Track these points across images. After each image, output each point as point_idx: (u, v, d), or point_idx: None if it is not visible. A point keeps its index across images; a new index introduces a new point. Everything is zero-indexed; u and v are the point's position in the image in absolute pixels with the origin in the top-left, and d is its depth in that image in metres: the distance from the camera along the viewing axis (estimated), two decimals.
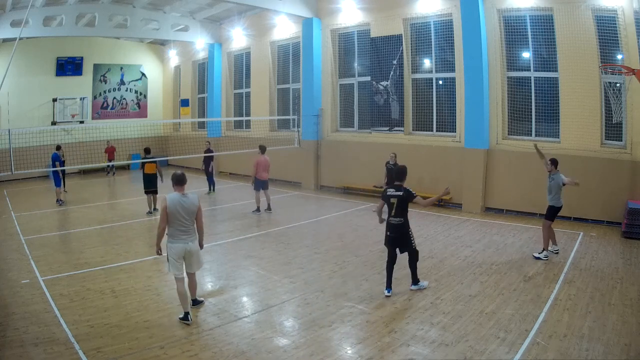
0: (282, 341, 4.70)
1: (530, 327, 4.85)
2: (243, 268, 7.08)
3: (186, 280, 5.34)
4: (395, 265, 6.11)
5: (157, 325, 5.05)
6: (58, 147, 13.18)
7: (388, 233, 5.97)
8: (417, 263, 6.08)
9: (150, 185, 11.09)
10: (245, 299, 5.96)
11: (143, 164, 11.12)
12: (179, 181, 5.19)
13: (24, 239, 8.83)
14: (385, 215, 6.09)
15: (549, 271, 6.69)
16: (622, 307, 5.37)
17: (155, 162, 11.18)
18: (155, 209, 11.06)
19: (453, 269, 6.88)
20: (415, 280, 6.08)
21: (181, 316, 5.13)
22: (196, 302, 5.51)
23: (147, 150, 11.49)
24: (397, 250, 6.00)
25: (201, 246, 5.40)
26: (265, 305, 5.65)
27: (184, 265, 5.21)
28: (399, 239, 5.93)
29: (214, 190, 14.37)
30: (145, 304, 5.64)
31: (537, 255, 7.29)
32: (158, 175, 11.12)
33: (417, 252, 6.04)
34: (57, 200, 12.82)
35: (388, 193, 5.92)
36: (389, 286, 5.93)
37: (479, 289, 6.05)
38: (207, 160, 14.14)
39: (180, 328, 5.01)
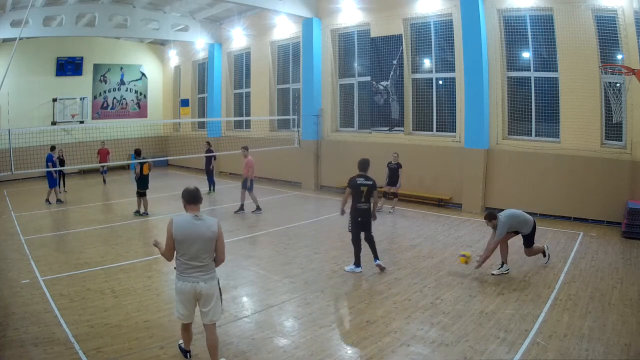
0: (282, 341, 4.70)
1: (530, 327, 4.85)
2: (243, 268, 7.08)
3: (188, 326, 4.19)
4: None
5: (157, 325, 5.05)
6: (52, 148, 13.18)
7: (359, 219, 6.68)
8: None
9: (146, 186, 10.98)
10: (245, 299, 5.96)
11: (142, 165, 10.96)
12: (192, 199, 3.88)
13: (24, 239, 8.83)
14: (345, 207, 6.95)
15: (549, 271, 6.69)
16: (622, 307, 5.37)
17: (148, 162, 11.14)
18: (145, 212, 10.95)
19: (453, 269, 6.88)
20: (378, 256, 6.82)
21: (181, 344, 4.33)
22: None
23: (138, 152, 11.35)
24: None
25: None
26: (265, 305, 5.65)
27: (193, 311, 3.99)
28: (366, 222, 6.73)
29: (214, 190, 14.38)
30: (145, 304, 5.64)
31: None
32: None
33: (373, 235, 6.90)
34: (47, 200, 12.88)
35: (358, 182, 6.62)
36: (360, 264, 6.77)
37: (479, 288, 6.05)
38: (208, 160, 14.19)
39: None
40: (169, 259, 3.90)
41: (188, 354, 4.27)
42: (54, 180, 12.99)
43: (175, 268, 3.95)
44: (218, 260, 3.98)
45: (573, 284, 6.17)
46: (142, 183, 10.98)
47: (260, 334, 4.84)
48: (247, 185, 11.07)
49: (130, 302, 5.67)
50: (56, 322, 5.06)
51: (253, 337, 4.78)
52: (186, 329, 4.13)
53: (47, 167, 12.42)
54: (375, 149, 12.86)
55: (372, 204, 6.72)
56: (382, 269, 6.73)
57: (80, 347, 4.50)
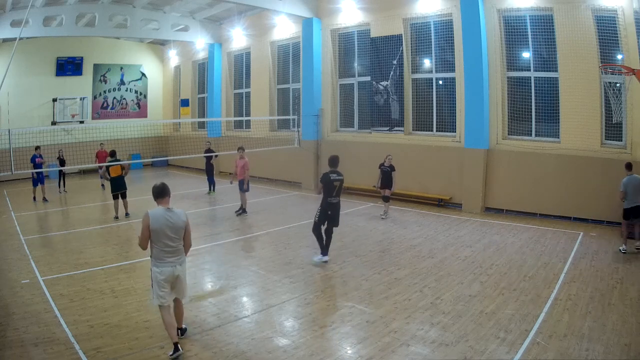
0: (282, 341, 4.70)
1: (530, 327, 4.85)
2: (243, 268, 7.08)
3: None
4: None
5: (157, 325, 5.03)
6: (36, 148, 13.23)
7: (329, 212, 7.02)
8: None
9: (119, 188, 10.72)
10: (245, 299, 5.96)
11: (107, 167, 10.75)
12: (160, 193, 4.43)
13: (24, 239, 8.83)
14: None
15: (549, 271, 6.69)
16: (622, 307, 5.37)
17: (119, 164, 10.89)
18: (126, 213, 10.75)
19: (453, 269, 6.88)
20: (327, 252, 7.21)
21: (170, 353, 4.34)
22: (182, 332, 4.75)
23: (112, 154, 11.19)
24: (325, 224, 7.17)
25: None
26: (265, 305, 5.65)
27: (170, 293, 4.50)
28: (336, 216, 7.11)
29: (214, 190, 14.38)
30: (145, 304, 5.63)
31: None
32: (124, 173, 10.78)
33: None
34: (37, 198, 13.11)
35: (332, 178, 6.95)
36: (325, 252, 7.16)
37: (479, 289, 6.05)
38: (208, 160, 14.23)
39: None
40: (144, 247, 4.40)
41: (178, 345, 4.35)
42: (40, 179, 13.12)
43: (151, 256, 4.44)
44: (186, 245, 4.57)
45: (573, 284, 6.17)
46: (114, 185, 10.70)
47: (260, 334, 4.84)
48: (245, 187, 10.85)
49: (130, 302, 5.68)
50: (56, 322, 5.07)
51: (253, 337, 4.78)
52: (167, 312, 4.47)
53: (33, 167, 12.70)
54: (375, 149, 12.86)
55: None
56: (324, 262, 7.15)
57: (80, 347, 4.50)
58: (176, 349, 4.32)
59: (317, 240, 7.19)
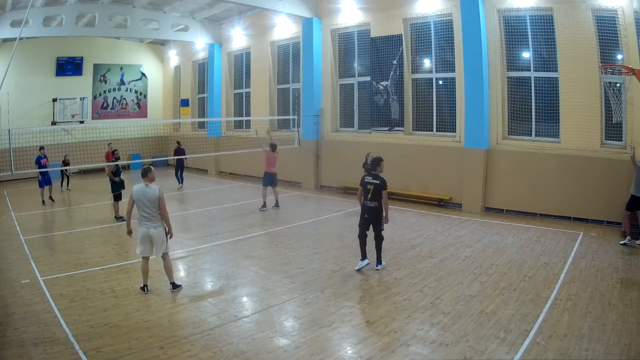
0: (282, 341, 4.70)
1: (530, 327, 4.85)
2: (243, 268, 7.08)
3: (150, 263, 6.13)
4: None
5: (157, 325, 5.05)
6: (40, 148, 13.16)
7: (366, 216, 6.78)
8: (383, 247, 6.98)
9: (111, 189, 10.68)
10: (245, 299, 5.96)
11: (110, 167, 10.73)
12: (143, 174, 6.05)
13: (24, 239, 8.83)
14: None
15: (549, 271, 6.69)
16: (622, 307, 5.37)
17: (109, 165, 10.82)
18: (117, 216, 10.55)
19: (453, 269, 6.88)
20: (380, 260, 6.91)
21: (141, 286, 6.02)
22: (175, 286, 6.05)
23: (113, 153, 11.12)
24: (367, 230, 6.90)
25: (170, 234, 6.05)
26: (265, 305, 5.65)
27: (148, 248, 5.91)
28: (373, 220, 6.76)
29: (181, 183, 15.52)
30: (145, 304, 5.65)
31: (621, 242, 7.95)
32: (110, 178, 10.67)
33: (382, 237, 6.86)
34: (43, 201, 12.98)
35: (366, 180, 6.77)
36: (365, 257, 6.85)
37: (479, 289, 6.05)
38: (180, 158, 15.38)
39: (180, 328, 5.02)
40: (128, 210, 6.06)
41: (145, 287, 5.96)
42: (47, 179, 13.06)
43: (137, 219, 5.91)
44: (164, 215, 5.93)
45: (573, 284, 6.17)
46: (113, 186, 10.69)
47: (260, 334, 4.84)
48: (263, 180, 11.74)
49: (130, 302, 5.68)
50: (56, 322, 5.07)
51: (253, 337, 4.78)
52: (145, 262, 5.98)
53: (38, 168, 12.63)
54: (376, 149, 12.77)
55: (383, 204, 6.69)
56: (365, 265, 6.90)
57: (80, 347, 4.50)
58: (143, 289, 5.96)
59: (359, 245, 6.88)
